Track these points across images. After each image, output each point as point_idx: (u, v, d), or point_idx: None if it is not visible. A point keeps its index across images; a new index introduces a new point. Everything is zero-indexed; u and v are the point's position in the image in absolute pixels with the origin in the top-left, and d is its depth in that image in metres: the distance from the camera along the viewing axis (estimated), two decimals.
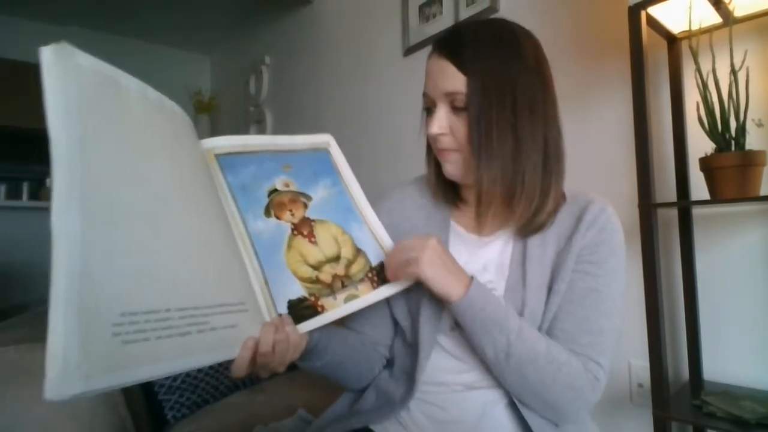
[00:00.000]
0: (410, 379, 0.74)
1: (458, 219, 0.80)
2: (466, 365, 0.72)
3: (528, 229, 0.72)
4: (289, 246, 0.67)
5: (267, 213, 0.67)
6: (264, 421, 0.85)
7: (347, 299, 0.67)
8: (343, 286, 0.68)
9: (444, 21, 1.80)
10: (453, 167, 0.73)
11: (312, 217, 0.71)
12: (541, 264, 0.71)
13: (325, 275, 0.67)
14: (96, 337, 0.38)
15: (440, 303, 0.72)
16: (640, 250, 0.97)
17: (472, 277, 0.66)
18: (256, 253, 0.63)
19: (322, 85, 2.47)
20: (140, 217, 0.47)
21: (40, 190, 3.49)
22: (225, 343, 0.51)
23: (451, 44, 0.69)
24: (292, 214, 0.69)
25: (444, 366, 0.73)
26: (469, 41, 0.68)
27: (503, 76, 0.67)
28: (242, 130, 3.24)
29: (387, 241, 0.74)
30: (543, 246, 0.72)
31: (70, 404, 0.89)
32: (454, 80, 0.68)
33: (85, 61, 0.48)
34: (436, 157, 0.76)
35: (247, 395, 1.22)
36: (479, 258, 0.75)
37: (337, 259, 0.70)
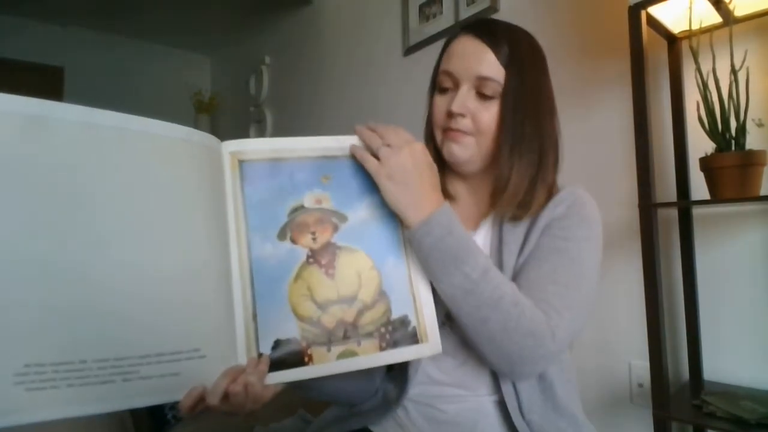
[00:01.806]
0: (404, 377, 0.73)
1: None
2: (457, 361, 0.72)
3: (515, 217, 0.72)
4: (298, 276, 0.58)
5: (281, 235, 0.59)
6: (264, 421, 0.85)
7: (341, 356, 0.57)
8: (345, 336, 0.58)
9: (444, 21, 1.80)
10: (462, 150, 0.71)
11: (340, 242, 0.61)
12: (515, 245, 0.71)
13: (329, 318, 0.58)
14: None
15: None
16: (640, 250, 0.97)
17: (444, 202, 0.61)
18: (252, 282, 0.56)
19: (322, 84, 2.47)
20: (52, 268, 0.45)
21: None
22: (161, 389, 0.49)
23: (490, 35, 0.70)
24: (314, 238, 0.60)
25: (437, 364, 0.73)
26: (507, 40, 0.70)
27: (535, 79, 0.72)
28: (242, 130, 3.24)
29: (424, 294, 0.61)
30: (515, 231, 0.72)
31: None
32: (492, 67, 0.69)
33: (6, 105, 0.46)
34: (436, 145, 0.75)
35: None
36: None
37: (351, 300, 0.59)
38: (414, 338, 0.61)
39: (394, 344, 0.59)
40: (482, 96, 0.70)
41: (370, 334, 0.59)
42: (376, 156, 0.61)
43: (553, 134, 0.74)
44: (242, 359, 0.54)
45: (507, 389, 0.69)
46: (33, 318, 0.43)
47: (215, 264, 0.54)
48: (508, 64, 0.69)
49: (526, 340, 0.59)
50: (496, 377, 0.70)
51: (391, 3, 2.04)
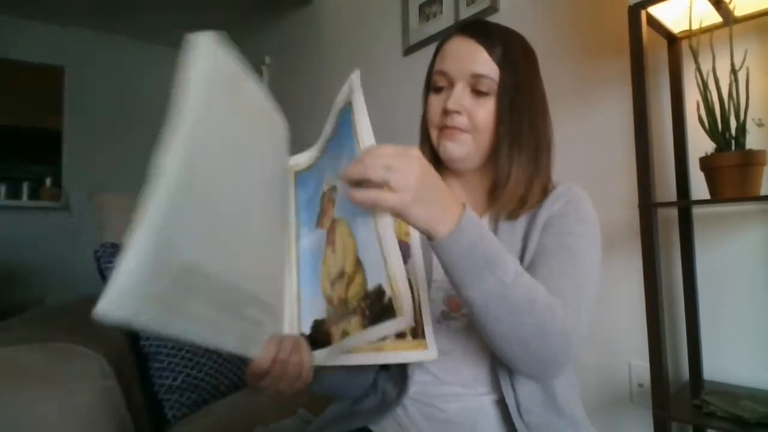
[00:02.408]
0: (403, 376, 0.74)
1: None
2: (456, 360, 0.72)
3: (506, 213, 0.73)
4: (324, 258, 0.61)
5: (318, 224, 0.63)
6: (264, 421, 0.85)
7: (342, 334, 0.58)
8: (343, 313, 0.58)
9: (444, 20, 1.80)
10: (458, 147, 0.72)
11: (336, 215, 0.60)
12: (513, 246, 0.71)
13: (335, 295, 0.59)
14: (160, 278, 0.38)
15: (425, 296, 0.71)
16: (640, 249, 0.97)
17: (463, 205, 0.55)
18: (298, 270, 0.62)
19: (322, 84, 2.47)
20: (226, 201, 0.49)
21: (40, 190, 3.49)
22: (247, 337, 0.53)
23: (484, 35, 0.72)
24: (327, 218, 0.62)
25: (435, 363, 0.73)
26: (501, 41, 0.72)
27: (529, 79, 0.74)
28: None
29: (394, 258, 0.53)
30: (512, 230, 0.73)
31: (69, 404, 0.89)
32: (486, 65, 0.71)
33: (225, 55, 0.52)
34: (432, 145, 0.76)
35: (248, 395, 1.22)
36: None
37: (343, 274, 0.59)
38: (391, 311, 0.54)
39: (374, 320, 0.54)
40: (477, 93, 0.71)
41: (354, 311, 0.57)
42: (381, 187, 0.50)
43: (547, 134, 0.76)
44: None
45: (506, 389, 0.68)
46: (208, 229, 0.46)
47: (283, 249, 0.63)
48: (502, 63, 0.71)
49: (559, 342, 0.58)
50: (495, 376, 0.70)
51: (391, 3, 2.04)
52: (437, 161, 0.78)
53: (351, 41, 2.29)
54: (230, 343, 0.49)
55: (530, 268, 0.66)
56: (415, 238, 0.69)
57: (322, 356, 0.59)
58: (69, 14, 3.13)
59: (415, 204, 0.49)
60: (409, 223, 0.52)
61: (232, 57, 0.53)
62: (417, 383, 0.73)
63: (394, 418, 0.74)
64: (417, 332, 0.63)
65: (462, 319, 0.72)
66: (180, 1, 2.93)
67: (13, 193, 3.52)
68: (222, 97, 0.49)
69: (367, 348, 0.61)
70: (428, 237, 0.54)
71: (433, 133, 0.75)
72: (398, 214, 0.50)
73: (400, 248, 0.67)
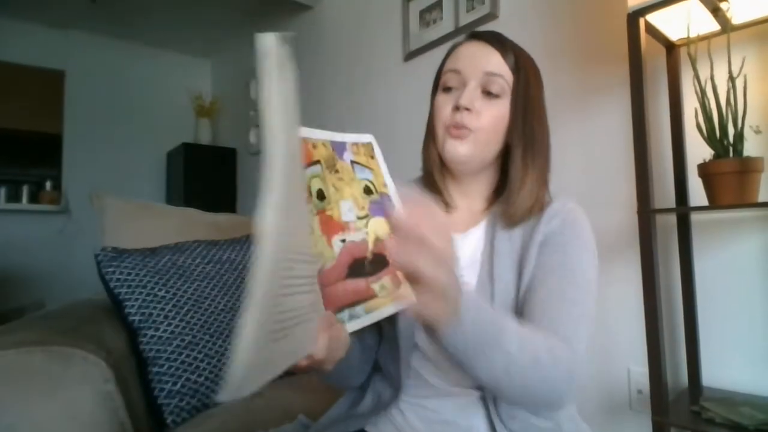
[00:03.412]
0: (396, 379, 0.74)
1: None
2: (446, 363, 0.72)
3: (504, 221, 0.73)
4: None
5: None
6: (264, 426, 0.85)
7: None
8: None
9: (444, 26, 1.81)
10: (464, 147, 0.72)
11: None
12: (510, 258, 0.72)
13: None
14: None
15: None
16: (639, 255, 0.97)
17: (463, 285, 0.51)
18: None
19: (322, 89, 2.48)
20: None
21: (40, 193, 3.49)
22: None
23: (498, 42, 0.74)
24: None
25: (425, 365, 0.74)
26: (513, 51, 0.74)
27: (538, 95, 0.75)
28: (243, 134, 3.25)
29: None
30: (510, 240, 0.73)
31: (69, 408, 0.89)
32: (500, 66, 0.72)
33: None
34: (436, 142, 0.76)
35: (247, 400, 1.22)
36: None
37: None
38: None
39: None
40: (488, 95, 0.72)
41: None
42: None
43: (549, 147, 0.77)
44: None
45: (488, 392, 0.69)
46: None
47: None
48: (515, 70, 0.72)
49: (564, 383, 0.60)
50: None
51: (391, 9, 2.06)
52: (441, 165, 0.78)
53: (351, 46, 2.30)
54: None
55: (529, 290, 0.68)
56: (391, 189, 0.73)
57: (351, 322, 0.61)
58: (70, 18, 3.14)
59: (438, 299, 0.47)
60: (419, 315, 0.49)
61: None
62: (411, 386, 0.74)
63: (390, 421, 0.74)
64: None
65: None
66: (181, 6, 2.95)
67: (13, 196, 3.53)
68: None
69: (387, 299, 0.65)
70: (428, 329, 0.52)
71: (440, 132, 0.75)
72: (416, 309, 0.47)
73: (382, 200, 0.73)
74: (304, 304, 0.50)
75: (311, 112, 2.56)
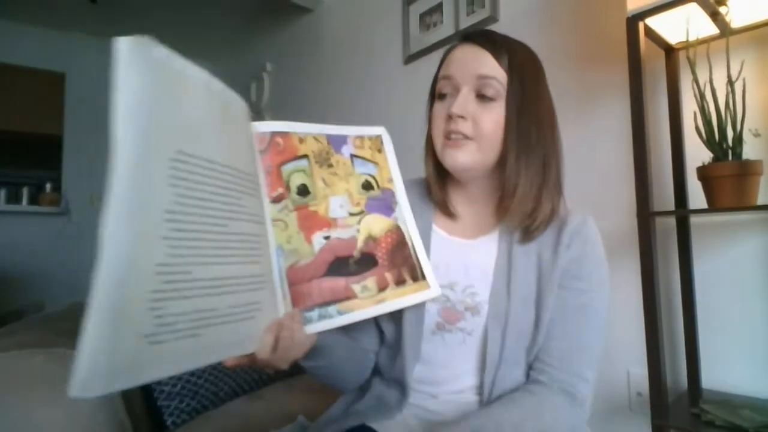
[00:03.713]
0: (402, 384, 0.74)
1: (440, 223, 0.79)
2: (449, 369, 0.73)
3: (520, 236, 0.72)
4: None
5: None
6: (263, 428, 0.85)
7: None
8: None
9: (444, 30, 1.81)
10: (464, 155, 0.69)
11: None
12: (526, 275, 0.71)
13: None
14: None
15: (421, 307, 0.72)
16: (639, 258, 0.97)
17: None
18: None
19: (322, 92, 2.48)
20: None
21: (40, 195, 3.49)
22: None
23: (490, 42, 0.71)
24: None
25: (429, 371, 0.74)
26: (506, 49, 0.71)
27: (536, 87, 0.72)
28: None
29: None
30: (527, 255, 0.72)
31: (70, 410, 0.89)
32: (493, 68, 0.69)
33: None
34: (435, 151, 0.74)
35: (247, 402, 1.22)
36: (462, 261, 0.75)
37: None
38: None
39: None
40: (483, 98, 0.69)
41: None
42: None
43: (556, 144, 0.73)
44: (280, 315, 0.59)
45: (487, 393, 0.70)
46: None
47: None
48: (509, 70, 0.69)
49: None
50: (482, 380, 0.71)
51: (391, 12, 2.06)
52: (441, 173, 0.77)
53: (351, 49, 2.30)
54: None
55: (550, 334, 0.70)
56: (398, 184, 0.73)
57: (320, 322, 0.60)
58: (71, 20, 3.15)
59: None
60: None
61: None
62: (415, 390, 0.74)
63: (392, 421, 0.74)
64: (416, 275, 0.68)
65: (458, 333, 0.72)
66: (181, 8, 2.95)
67: (13, 197, 3.53)
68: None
69: (368, 302, 0.63)
70: None
71: (438, 142, 0.73)
72: None
73: (384, 196, 0.72)
74: (229, 304, 0.50)
75: (311, 115, 2.57)
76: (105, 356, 0.37)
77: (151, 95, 0.43)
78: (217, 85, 0.55)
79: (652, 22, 1.03)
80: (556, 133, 0.74)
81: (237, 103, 0.60)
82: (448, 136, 0.70)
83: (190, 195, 0.46)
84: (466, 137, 0.69)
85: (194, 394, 1.16)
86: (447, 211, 0.78)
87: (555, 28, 1.44)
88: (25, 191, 3.57)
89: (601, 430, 1.25)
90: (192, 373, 1.17)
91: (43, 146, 3.48)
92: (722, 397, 1.02)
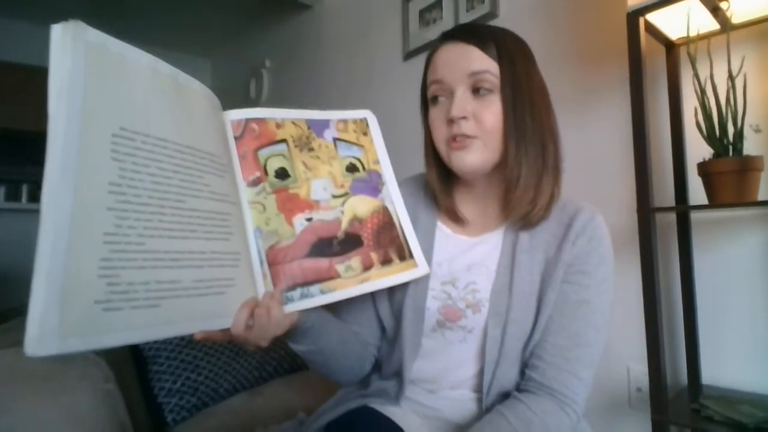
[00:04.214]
0: (399, 378, 0.75)
1: (445, 221, 0.79)
2: (448, 366, 0.73)
3: (521, 224, 0.72)
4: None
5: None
6: (264, 424, 0.85)
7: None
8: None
9: (444, 26, 1.81)
10: (473, 156, 0.68)
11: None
12: (529, 272, 0.70)
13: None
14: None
15: (422, 304, 0.72)
16: (639, 254, 0.97)
17: None
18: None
19: (322, 88, 2.48)
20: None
21: (39, 193, 3.50)
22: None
23: (473, 36, 0.69)
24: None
25: (428, 367, 0.74)
26: (491, 38, 0.69)
27: (527, 71, 0.70)
28: None
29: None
30: (531, 252, 0.71)
31: (70, 407, 0.89)
32: (483, 61, 0.67)
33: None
34: (441, 156, 0.73)
35: (247, 398, 1.22)
36: (465, 258, 0.75)
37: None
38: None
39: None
40: (480, 94, 0.68)
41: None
42: None
43: (552, 126, 0.72)
44: (260, 294, 0.60)
45: (486, 390, 0.70)
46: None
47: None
48: (499, 59, 0.68)
49: None
50: (480, 379, 0.71)
51: (391, 8, 2.06)
52: (446, 177, 0.76)
53: (351, 45, 2.30)
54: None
55: (548, 329, 0.68)
56: (385, 166, 0.74)
57: (301, 301, 0.61)
58: (69, 18, 3.14)
59: None
60: None
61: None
62: (413, 385, 0.74)
63: (391, 414, 0.75)
64: (404, 255, 0.69)
65: (458, 331, 0.72)
66: (180, 4, 2.94)
67: (13, 195, 3.53)
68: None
69: (351, 282, 0.64)
70: None
71: (442, 148, 0.71)
72: None
73: (370, 178, 0.72)
74: (194, 278, 0.51)
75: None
76: (56, 316, 0.39)
77: (83, 75, 0.46)
78: (165, 68, 0.57)
79: (652, 17, 1.02)
80: (551, 114, 0.73)
81: (196, 87, 0.61)
82: (453, 139, 0.69)
83: (138, 170, 0.48)
84: (471, 137, 0.68)
85: (194, 391, 1.16)
86: (455, 218, 0.78)
87: (555, 23, 1.44)
88: (24, 189, 3.57)
89: (601, 426, 1.26)
90: (192, 370, 1.18)
91: (42, 144, 3.48)
92: (722, 393, 1.02)
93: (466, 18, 1.72)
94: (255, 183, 0.63)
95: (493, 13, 1.61)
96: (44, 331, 0.39)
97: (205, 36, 3.40)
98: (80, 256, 0.42)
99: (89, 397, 0.93)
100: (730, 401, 0.95)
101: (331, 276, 0.64)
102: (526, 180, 0.68)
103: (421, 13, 1.91)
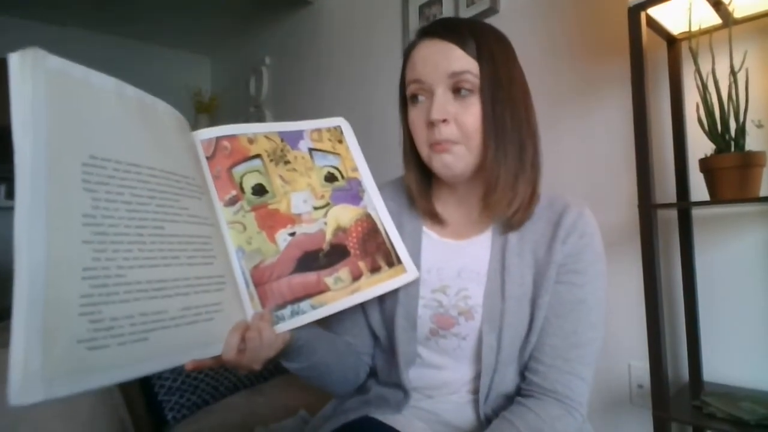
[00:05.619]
0: (400, 387, 0.74)
1: (431, 225, 0.77)
2: (444, 373, 0.72)
3: (507, 226, 0.70)
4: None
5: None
6: (264, 422, 0.85)
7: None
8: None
9: None
10: (456, 160, 0.66)
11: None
12: (521, 275, 0.69)
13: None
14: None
15: (413, 313, 0.71)
16: (640, 250, 0.97)
17: None
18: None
19: (322, 85, 2.47)
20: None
21: None
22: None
23: (452, 32, 0.66)
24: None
25: (424, 375, 0.73)
26: (471, 34, 0.66)
27: (507, 68, 0.68)
28: None
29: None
30: (521, 254, 0.70)
31: (70, 405, 0.89)
32: (463, 61, 0.65)
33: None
34: (422, 158, 0.71)
35: (247, 396, 1.22)
36: (454, 263, 0.73)
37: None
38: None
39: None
40: (460, 95, 0.65)
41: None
42: None
43: (531, 124, 0.69)
44: (249, 316, 0.58)
45: (483, 393, 0.69)
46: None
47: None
48: (479, 58, 0.65)
49: None
50: (477, 382, 0.71)
51: (391, 4, 2.05)
52: (426, 179, 0.75)
53: (351, 42, 2.29)
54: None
55: (544, 330, 0.68)
56: (364, 172, 0.73)
57: (293, 319, 0.60)
58: (68, 15, 3.13)
59: None
60: None
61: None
62: (412, 391, 0.74)
63: (395, 416, 0.74)
64: (392, 261, 0.68)
65: (452, 339, 0.70)
66: (179, 2, 2.93)
67: (11, 193, 3.53)
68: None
69: (342, 293, 0.63)
70: None
71: (423, 150, 0.69)
72: None
73: (349, 186, 0.71)
74: (181, 306, 0.49)
75: (308, 108, 2.56)
76: (38, 360, 0.37)
77: (47, 104, 0.44)
78: (131, 91, 0.54)
79: (654, 11, 1.02)
80: (531, 112, 0.70)
81: (162, 109, 0.59)
82: (433, 144, 0.67)
83: (112, 199, 0.46)
84: (454, 142, 0.66)
85: (194, 389, 1.16)
86: (436, 220, 0.76)
87: (556, 18, 1.43)
88: None
89: (602, 423, 1.26)
90: None
91: None
92: (724, 390, 1.02)
93: (466, 14, 1.71)
94: (232, 202, 0.62)
95: (493, 9, 1.60)
96: (27, 376, 0.37)
97: (205, 33, 3.39)
98: (59, 294, 0.40)
99: (89, 395, 0.93)
100: (731, 398, 0.95)
101: (321, 290, 0.62)
102: (504, 181, 0.66)
103: (421, 8, 1.90)
